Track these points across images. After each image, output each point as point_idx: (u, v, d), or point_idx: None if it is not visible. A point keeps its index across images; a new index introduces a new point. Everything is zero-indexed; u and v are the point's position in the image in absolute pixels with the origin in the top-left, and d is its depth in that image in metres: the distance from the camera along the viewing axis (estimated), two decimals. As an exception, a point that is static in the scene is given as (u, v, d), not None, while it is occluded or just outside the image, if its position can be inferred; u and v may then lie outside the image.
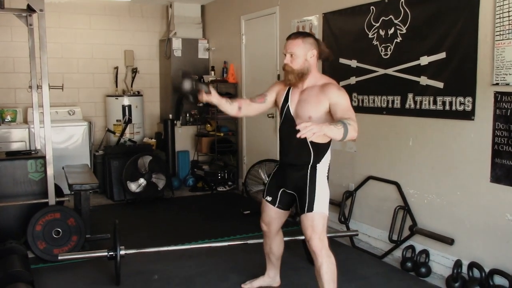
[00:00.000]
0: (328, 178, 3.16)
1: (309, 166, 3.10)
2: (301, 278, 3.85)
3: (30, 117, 6.47)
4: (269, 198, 3.34)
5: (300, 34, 3.14)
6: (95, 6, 7.50)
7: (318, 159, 3.11)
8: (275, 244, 3.50)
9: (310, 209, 3.04)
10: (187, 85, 3.16)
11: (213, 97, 3.23)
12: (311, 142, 3.04)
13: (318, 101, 3.01)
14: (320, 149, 3.10)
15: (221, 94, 7.07)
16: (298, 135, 2.52)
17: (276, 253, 3.55)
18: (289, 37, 3.13)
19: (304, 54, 3.05)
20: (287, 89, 3.21)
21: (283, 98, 3.21)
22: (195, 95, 3.19)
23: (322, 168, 3.13)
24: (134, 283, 3.82)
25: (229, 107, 3.32)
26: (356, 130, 2.73)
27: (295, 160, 3.16)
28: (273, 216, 3.36)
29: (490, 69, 3.46)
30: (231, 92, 7.10)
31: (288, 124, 3.14)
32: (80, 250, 4.32)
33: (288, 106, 3.16)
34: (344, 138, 2.67)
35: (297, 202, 3.16)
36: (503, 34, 3.35)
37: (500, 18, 3.36)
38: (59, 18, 7.28)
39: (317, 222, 3.03)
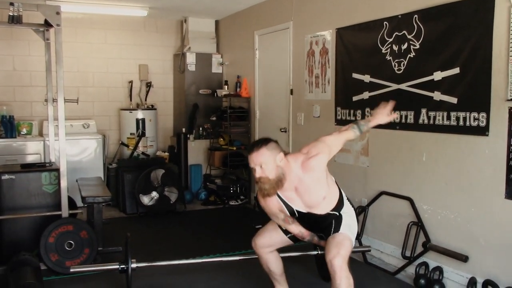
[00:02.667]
0: (358, 219, 3.21)
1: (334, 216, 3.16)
2: (313, 294, 3.81)
3: (46, 130, 6.55)
4: (284, 228, 3.30)
5: (260, 142, 3.00)
6: (110, 21, 7.61)
7: (339, 210, 3.17)
8: (272, 263, 3.42)
9: (337, 230, 3.07)
10: None
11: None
12: (329, 213, 3.12)
13: (315, 180, 3.00)
14: (338, 205, 3.16)
15: (234, 108, 7.14)
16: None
17: (276, 271, 3.46)
18: (251, 151, 2.97)
19: (273, 161, 2.93)
20: (276, 197, 3.08)
21: (283, 205, 3.10)
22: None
23: (346, 211, 3.18)
24: (145, 296, 3.81)
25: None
26: (366, 125, 3.21)
27: (320, 225, 3.22)
28: (277, 242, 3.34)
29: (504, 84, 3.43)
30: (244, 106, 7.13)
31: (306, 218, 3.16)
32: (92, 263, 4.33)
33: (296, 209, 3.10)
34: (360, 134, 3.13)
35: (324, 236, 3.19)
36: (517, 50, 3.33)
37: (514, 33, 3.34)
38: (76, 33, 7.39)
39: (345, 243, 2.99)
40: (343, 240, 2.99)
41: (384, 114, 3.22)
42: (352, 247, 3.06)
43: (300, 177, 2.99)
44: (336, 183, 3.25)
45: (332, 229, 3.08)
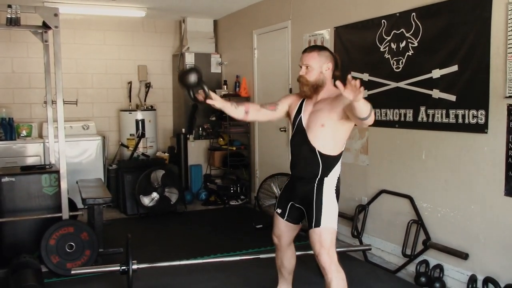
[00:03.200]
0: (338, 192, 3.14)
1: (317, 179, 3.09)
2: (314, 293, 3.82)
3: (45, 132, 6.55)
4: (279, 211, 3.33)
5: (316, 47, 3.18)
6: (109, 22, 7.61)
7: (326, 172, 3.09)
8: (286, 258, 3.47)
9: (318, 224, 3.02)
10: (191, 78, 3.15)
11: (216, 101, 3.20)
12: (320, 154, 3.05)
13: (331, 108, 3.02)
14: (330, 161, 3.08)
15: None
16: (342, 90, 2.62)
17: (288, 267, 3.51)
18: (305, 50, 3.17)
19: (320, 67, 3.08)
20: (300, 101, 3.23)
21: (296, 110, 3.22)
22: (193, 92, 3.20)
23: (330, 182, 3.10)
24: (146, 297, 3.82)
25: (234, 111, 3.31)
26: (373, 118, 2.85)
27: (304, 173, 3.14)
28: (282, 229, 3.35)
29: (503, 81, 3.44)
30: (243, 106, 7.12)
31: (299, 135, 3.15)
32: (93, 264, 4.33)
33: (301, 117, 3.17)
34: (367, 116, 2.75)
35: (306, 217, 3.15)
36: (515, 47, 3.33)
37: (512, 30, 3.34)
38: (74, 34, 7.39)
39: (325, 236, 3.00)
40: (324, 233, 2.99)
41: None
42: (334, 233, 3.04)
43: (327, 100, 3.06)
44: (341, 155, 3.17)
45: (314, 219, 3.03)
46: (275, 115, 3.38)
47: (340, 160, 3.15)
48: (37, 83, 6.93)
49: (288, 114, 3.35)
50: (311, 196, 3.08)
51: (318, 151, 3.06)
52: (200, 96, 3.18)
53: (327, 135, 3.05)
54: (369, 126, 4.46)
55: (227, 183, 7.13)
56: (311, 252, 3.91)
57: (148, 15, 7.27)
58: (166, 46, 8.12)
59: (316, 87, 3.10)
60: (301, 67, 3.14)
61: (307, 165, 3.11)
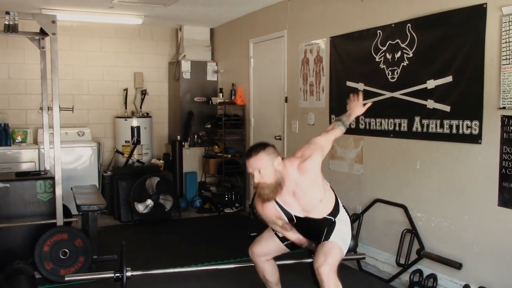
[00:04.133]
0: (352, 230, 3.21)
1: (329, 222, 3.15)
2: (308, 302, 3.82)
3: (40, 138, 6.55)
4: (280, 235, 3.30)
5: (259, 147, 2.99)
6: (106, 29, 7.63)
7: (335, 215, 3.16)
8: (268, 272, 3.43)
9: (327, 238, 3.06)
10: None
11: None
12: (325, 217, 3.12)
13: (311, 181, 3.01)
14: (334, 210, 3.16)
15: (229, 116, 7.16)
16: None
17: (272, 279, 3.46)
18: (249, 156, 2.96)
19: (272, 165, 2.93)
20: (274, 203, 3.07)
21: (281, 211, 3.09)
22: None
23: (341, 218, 3.17)
24: (140, 305, 3.81)
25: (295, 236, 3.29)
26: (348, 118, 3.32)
27: (315, 231, 3.19)
28: (272, 250, 3.34)
29: (496, 93, 3.47)
30: (239, 114, 7.15)
31: (303, 223, 3.15)
32: (87, 271, 4.32)
33: (293, 215, 3.10)
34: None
35: (317, 243, 3.17)
36: (509, 58, 3.37)
37: (506, 42, 3.38)
38: (71, 41, 7.41)
39: (332, 250, 2.98)
40: (331, 248, 2.99)
41: (359, 105, 3.37)
42: (342, 255, 3.05)
43: (297, 181, 3.00)
44: (332, 189, 3.26)
45: (323, 237, 3.08)
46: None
47: (340, 204, 3.23)
48: (33, 89, 6.94)
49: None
50: (321, 234, 3.13)
51: (325, 217, 3.12)
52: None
53: (313, 197, 3.05)
54: (364, 135, 4.54)
55: (222, 191, 7.13)
56: (305, 260, 3.94)
57: (145, 22, 7.30)
58: (163, 54, 8.14)
59: (279, 185, 2.96)
60: (252, 174, 2.96)
61: (318, 227, 3.15)
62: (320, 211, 3.10)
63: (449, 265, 3.85)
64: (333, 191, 3.25)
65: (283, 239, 3.31)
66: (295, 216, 3.11)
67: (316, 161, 3.00)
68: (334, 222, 3.14)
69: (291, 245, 3.32)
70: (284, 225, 3.18)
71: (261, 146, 2.99)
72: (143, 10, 6.67)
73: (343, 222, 3.17)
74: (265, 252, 3.36)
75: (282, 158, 3.02)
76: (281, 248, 3.34)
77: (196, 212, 7.17)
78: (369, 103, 3.41)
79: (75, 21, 7.31)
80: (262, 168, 2.91)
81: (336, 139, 3.29)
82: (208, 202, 7.24)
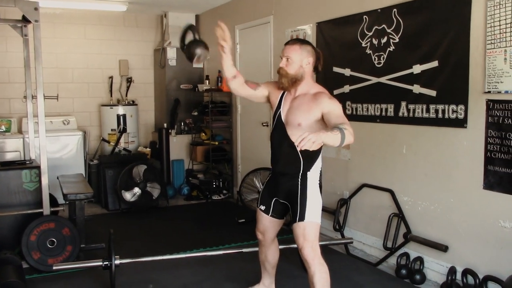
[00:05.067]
0: (321, 186, 3.17)
1: (300, 174, 3.11)
2: (296, 286, 3.85)
3: (25, 127, 6.48)
4: (262, 207, 3.34)
5: (299, 41, 3.17)
6: (89, 16, 7.53)
7: (308, 167, 3.11)
8: (270, 253, 3.50)
9: (302, 218, 3.04)
10: (198, 50, 3.49)
11: (227, 46, 3.41)
12: (301, 150, 3.05)
13: (309, 109, 3.03)
14: (310, 156, 3.10)
15: (216, 103, 7.12)
16: (298, 148, 2.54)
17: (271, 261, 3.54)
18: (288, 42, 3.17)
19: (300, 60, 3.07)
20: (280, 94, 3.22)
21: (276, 104, 3.22)
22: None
23: (313, 176, 3.13)
24: (129, 292, 3.81)
25: (230, 66, 3.43)
26: (352, 134, 2.72)
27: (286, 169, 3.15)
28: (267, 225, 3.37)
29: (482, 77, 3.50)
30: (225, 100, 7.13)
31: (279, 130, 3.16)
32: (74, 260, 4.30)
33: (280, 112, 3.18)
34: (341, 143, 2.66)
35: (290, 211, 3.16)
36: (494, 43, 3.39)
37: (491, 27, 3.40)
38: (54, 29, 7.30)
39: (309, 230, 3.02)
40: (308, 228, 3.02)
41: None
42: (318, 226, 3.07)
43: (304, 97, 3.07)
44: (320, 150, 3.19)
45: (298, 214, 3.05)
46: (253, 94, 3.39)
47: (320, 154, 3.17)
48: (17, 77, 6.83)
49: (268, 100, 3.35)
50: (295, 191, 3.10)
51: (297, 155, 3.07)
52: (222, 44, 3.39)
53: (305, 121, 3.04)
54: (351, 121, 4.52)
55: (209, 178, 7.13)
56: (294, 246, 3.95)
57: (129, 9, 7.22)
58: (148, 41, 8.06)
59: (295, 81, 3.09)
60: (281, 58, 3.13)
61: (289, 160, 3.12)
62: (297, 137, 3.02)
63: (435, 248, 3.90)
64: (320, 150, 3.18)
65: (266, 211, 3.31)
66: (279, 115, 3.15)
67: (328, 107, 2.96)
68: (306, 180, 3.09)
69: (276, 214, 3.31)
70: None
71: (301, 41, 3.18)
72: (127, -3, 6.59)
73: (314, 181, 3.12)
74: (263, 228, 3.38)
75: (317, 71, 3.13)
76: (270, 220, 3.33)
77: (183, 199, 7.16)
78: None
79: (58, 8, 7.20)
80: (290, 58, 3.07)
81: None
82: (195, 189, 7.23)
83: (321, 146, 3.13)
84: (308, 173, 3.11)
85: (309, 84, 3.15)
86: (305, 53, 3.10)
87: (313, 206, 3.08)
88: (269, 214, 3.31)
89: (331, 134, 2.63)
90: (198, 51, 3.38)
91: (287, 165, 3.14)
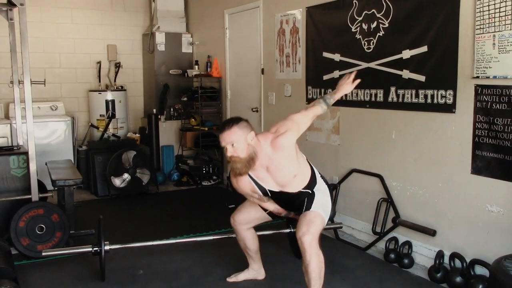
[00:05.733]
0: (332, 196, 3.24)
1: (307, 195, 3.17)
2: (286, 271, 3.87)
3: (12, 113, 6.40)
4: None
5: (231, 121, 3.00)
6: (76, 0, 7.42)
7: (312, 187, 3.18)
8: (249, 240, 3.50)
9: (309, 208, 3.08)
10: None
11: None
12: (301, 190, 3.14)
13: (286, 158, 3.01)
14: (310, 183, 3.17)
15: (205, 88, 7.08)
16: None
17: (252, 247, 3.54)
18: (223, 130, 2.98)
19: (245, 140, 2.94)
20: (248, 177, 3.10)
21: (255, 185, 3.13)
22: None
23: (319, 188, 3.19)
24: (119, 278, 3.81)
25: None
26: (332, 96, 3.25)
27: (295, 204, 3.22)
28: (254, 218, 3.37)
29: (470, 62, 3.51)
30: (215, 86, 7.10)
31: (279, 197, 3.17)
32: (64, 246, 4.29)
33: (268, 189, 3.13)
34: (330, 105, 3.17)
35: (298, 213, 3.20)
36: (483, 28, 3.39)
37: (480, 12, 3.40)
38: (40, 12, 7.20)
39: (315, 220, 3.00)
40: (314, 218, 3.02)
41: (349, 83, 3.28)
42: (323, 224, 3.08)
43: (270, 156, 3.01)
44: (309, 161, 3.28)
45: (304, 207, 3.11)
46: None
47: (316, 175, 3.25)
48: (3, 62, 6.72)
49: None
50: (302, 204, 3.15)
51: (300, 190, 3.13)
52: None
53: (289, 174, 3.06)
54: (341, 106, 4.55)
55: (199, 164, 7.12)
56: (284, 231, 3.99)
57: (117, -7, 7.13)
58: (136, 26, 7.98)
59: (252, 159, 2.96)
60: (225, 148, 2.97)
61: (296, 199, 3.18)
62: (295, 186, 3.13)
63: (423, 232, 3.93)
64: (310, 164, 3.27)
65: (264, 208, 3.33)
66: (269, 191, 3.14)
67: (290, 138, 3.00)
68: (313, 193, 3.17)
69: (273, 213, 3.35)
70: (260, 197, 3.20)
71: (235, 121, 3.00)
72: (115, -20, 6.50)
73: (322, 192, 3.20)
74: (247, 220, 3.40)
75: (256, 134, 3.03)
76: (262, 216, 3.37)
77: (173, 185, 7.16)
78: (357, 80, 3.31)
79: (44, -8, 7.10)
80: (235, 142, 2.92)
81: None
82: (185, 175, 7.23)
83: (312, 174, 3.21)
84: (314, 189, 3.18)
85: (260, 147, 3.01)
86: (246, 130, 2.96)
87: (322, 203, 3.12)
88: (267, 211, 3.33)
89: (322, 104, 3.14)
90: None
91: (294, 201, 3.21)
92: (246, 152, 2.94)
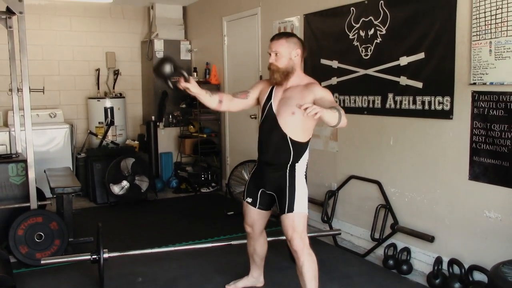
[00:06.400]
0: (306, 178, 3.19)
1: (288, 165, 3.12)
2: (285, 278, 3.87)
3: (11, 120, 6.42)
4: (249, 200, 3.34)
5: (284, 34, 3.20)
6: (75, 7, 7.45)
7: (297, 158, 3.12)
8: (259, 245, 3.52)
9: (291, 209, 3.06)
10: (167, 68, 3.11)
11: (192, 86, 3.14)
12: (291, 140, 3.08)
13: (302, 97, 3.03)
14: (300, 147, 3.12)
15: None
16: (306, 112, 2.58)
17: (260, 253, 3.56)
18: (273, 38, 3.19)
19: (289, 53, 3.10)
20: (270, 87, 3.24)
21: (266, 96, 3.23)
22: (173, 80, 3.14)
23: (301, 167, 3.15)
24: (118, 286, 3.81)
25: (209, 99, 3.27)
26: (345, 117, 2.84)
27: (274, 159, 3.15)
28: (255, 217, 3.37)
29: (467, 69, 3.52)
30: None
31: (269, 122, 3.16)
32: (63, 254, 4.29)
33: (271, 103, 3.18)
34: (337, 123, 2.78)
35: (277, 203, 3.18)
36: (479, 35, 3.41)
37: (476, 18, 3.42)
38: (39, 20, 7.22)
39: (298, 222, 3.05)
40: (296, 219, 3.05)
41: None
42: (306, 217, 3.10)
43: (297, 86, 3.11)
44: (309, 142, 3.21)
45: (286, 203, 3.07)
46: (247, 104, 3.38)
47: (308, 147, 3.19)
48: (1, 70, 6.72)
49: (258, 101, 3.35)
50: (283, 182, 3.11)
51: (289, 137, 3.08)
52: (182, 83, 3.11)
53: (297, 122, 3.07)
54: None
55: (198, 171, 7.12)
56: (282, 238, 3.97)
57: (116, 0, 7.17)
58: (135, 33, 8.00)
59: (287, 74, 3.12)
60: (270, 54, 3.15)
61: (278, 151, 3.13)
62: (288, 127, 3.08)
63: (422, 239, 3.94)
64: (308, 142, 3.21)
65: (253, 203, 3.32)
66: (270, 107, 3.16)
67: (321, 93, 3.04)
68: (294, 173, 3.11)
69: (263, 206, 3.31)
70: (243, 93, 3.34)
71: (286, 34, 3.22)
72: (114, -12, 6.53)
73: (301, 172, 3.14)
74: (251, 221, 3.39)
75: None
76: (257, 212, 3.34)
77: (172, 192, 7.16)
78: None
79: None
80: (279, 52, 3.09)
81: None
82: (184, 182, 7.23)
83: (309, 139, 3.16)
84: (297, 164, 3.13)
85: (300, 76, 3.18)
86: (293, 45, 3.12)
87: (301, 197, 3.10)
88: (256, 207, 3.32)
89: (331, 112, 2.72)
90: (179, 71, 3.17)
91: (276, 156, 3.14)
92: (285, 64, 3.10)
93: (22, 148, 5.09)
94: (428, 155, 3.91)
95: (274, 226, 4.19)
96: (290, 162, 3.11)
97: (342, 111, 2.82)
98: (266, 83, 3.32)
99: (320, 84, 4.77)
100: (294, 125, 3.09)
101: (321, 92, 3.06)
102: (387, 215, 4.28)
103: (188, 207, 6.45)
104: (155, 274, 4.01)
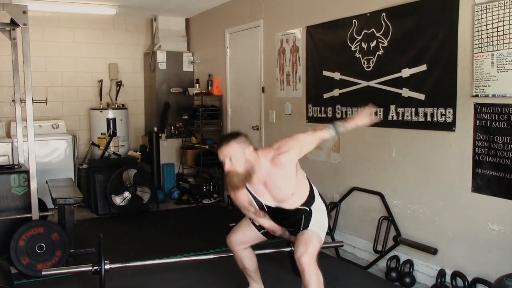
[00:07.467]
0: (326, 206, 3.25)
1: (304, 213, 3.15)
2: (287, 290, 3.85)
3: (13, 131, 6.42)
4: (256, 223, 3.33)
5: (230, 136, 3.03)
6: (79, 19, 7.50)
7: (309, 204, 3.17)
8: (246, 260, 3.47)
9: (306, 227, 3.08)
10: None
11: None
12: (302, 204, 3.14)
13: (284, 175, 3.00)
14: (309, 198, 3.16)
15: (206, 106, 7.11)
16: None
17: (250, 267, 3.51)
18: (220, 144, 3.00)
19: (242, 154, 2.95)
20: (245, 190, 3.11)
21: (252, 199, 3.14)
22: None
23: (317, 204, 3.19)
24: (119, 297, 3.79)
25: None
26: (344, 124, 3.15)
27: (291, 221, 3.21)
28: (251, 238, 3.36)
29: (469, 81, 3.53)
30: (216, 104, 7.13)
31: (275, 212, 3.17)
32: (64, 265, 4.27)
33: (265, 204, 3.13)
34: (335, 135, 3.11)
35: (294, 230, 3.19)
36: (481, 47, 3.42)
37: (478, 31, 3.43)
38: (43, 32, 7.27)
39: (312, 239, 3.00)
40: (311, 237, 3.01)
41: (364, 114, 3.19)
42: (321, 243, 3.08)
43: (269, 172, 3.01)
44: (308, 179, 3.28)
45: (302, 225, 3.10)
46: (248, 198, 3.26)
47: (315, 192, 3.24)
48: (5, 81, 6.76)
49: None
50: (300, 219, 3.14)
51: (298, 207, 3.12)
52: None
53: (289, 186, 3.05)
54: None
55: (199, 182, 7.11)
56: (284, 249, 3.97)
57: (119, 12, 7.20)
58: (138, 44, 8.05)
59: (249, 174, 2.97)
60: (223, 162, 2.97)
61: (292, 216, 3.17)
62: (292, 202, 3.12)
63: (424, 251, 3.92)
64: (309, 181, 3.27)
65: (259, 227, 3.33)
66: (266, 206, 3.13)
67: (291, 157, 2.99)
68: (311, 211, 3.16)
69: (268, 234, 3.34)
70: (256, 212, 3.19)
71: (233, 135, 3.05)
72: (117, 0, 6.57)
73: (319, 210, 3.20)
74: (242, 240, 3.38)
75: (257, 149, 3.04)
76: (258, 236, 3.36)
77: (174, 203, 7.15)
78: (376, 116, 3.26)
79: (46, 11, 7.15)
80: (233, 156, 2.93)
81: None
82: (186, 193, 7.22)
83: (309, 182, 3.23)
84: (312, 206, 3.17)
85: (259, 162, 3.01)
86: (243, 144, 2.97)
87: (319, 221, 3.12)
88: (261, 231, 3.32)
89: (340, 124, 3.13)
90: None
91: (291, 218, 3.19)
92: (243, 166, 2.95)
93: (24, 159, 5.09)
94: (431, 166, 3.90)
95: (276, 238, 4.17)
96: (305, 212, 3.16)
97: (336, 123, 3.09)
98: (240, 191, 3.12)
99: (322, 97, 4.84)
100: (287, 196, 3.06)
101: (285, 146, 3.00)
102: (389, 227, 4.26)
103: (189, 218, 6.43)
104: (156, 286, 4.00)
